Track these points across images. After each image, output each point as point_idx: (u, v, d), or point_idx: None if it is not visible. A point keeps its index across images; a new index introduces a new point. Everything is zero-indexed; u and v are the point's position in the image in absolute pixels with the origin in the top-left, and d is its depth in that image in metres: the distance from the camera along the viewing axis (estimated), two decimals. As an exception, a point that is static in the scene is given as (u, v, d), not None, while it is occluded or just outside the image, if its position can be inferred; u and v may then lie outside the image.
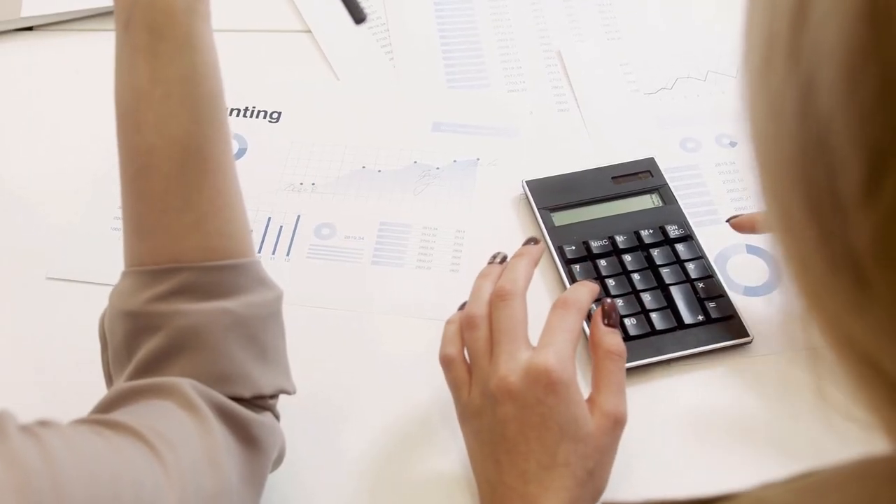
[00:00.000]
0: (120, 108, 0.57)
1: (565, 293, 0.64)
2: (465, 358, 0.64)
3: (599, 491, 0.60)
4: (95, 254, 0.80)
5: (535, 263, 0.67)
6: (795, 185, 0.29)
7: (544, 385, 0.58)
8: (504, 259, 0.68)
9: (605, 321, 0.63)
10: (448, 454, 0.68)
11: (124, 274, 0.58)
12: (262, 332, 0.57)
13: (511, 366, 0.59)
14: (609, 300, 0.64)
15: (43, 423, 0.45)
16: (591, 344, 0.63)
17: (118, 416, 0.50)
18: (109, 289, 0.59)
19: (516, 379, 0.59)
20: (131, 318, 0.56)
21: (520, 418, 0.58)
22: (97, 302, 0.63)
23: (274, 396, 0.59)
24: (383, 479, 0.67)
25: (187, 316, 0.54)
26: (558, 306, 0.63)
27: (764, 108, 0.30)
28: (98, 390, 0.63)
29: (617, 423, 0.60)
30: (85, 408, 0.54)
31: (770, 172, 0.31)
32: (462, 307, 0.68)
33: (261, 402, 0.57)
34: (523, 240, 0.80)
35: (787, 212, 0.30)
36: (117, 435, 0.47)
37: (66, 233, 0.81)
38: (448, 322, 0.66)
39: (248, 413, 0.55)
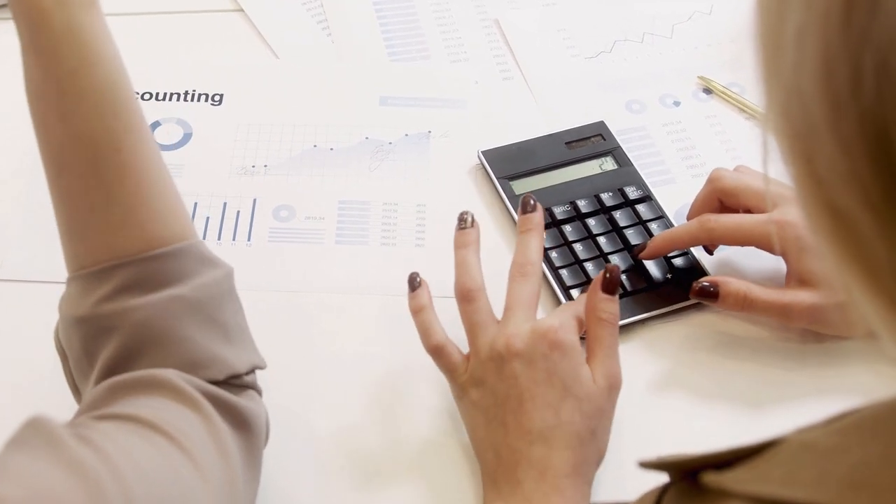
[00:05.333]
0: (30, 109, 0.56)
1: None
2: (451, 341, 0.65)
3: (601, 452, 0.61)
4: (42, 251, 0.76)
5: (543, 233, 0.69)
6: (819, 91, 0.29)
7: (550, 342, 0.61)
8: (473, 219, 0.69)
9: (604, 287, 0.64)
10: (424, 426, 0.68)
11: (68, 280, 0.56)
12: (219, 311, 0.56)
13: (519, 328, 0.62)
14: (614, 265, 0.64)
15: (82, 425, 0.43)
16: (585, 310, 0.64)
17: (132, 409, 0.48)
18: (62, 286, 0.57)
19: (523, 338, 0.61)
20: (83, 323, 0.54)
21: (526, 374, 0.61)
22: (51, 301, 0.61)
23: (250, 373, 0.57)
24: (361, 460, 0.67)
25: (138, 311, 0.53)
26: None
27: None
28: (60, 392, 0.61)
29: (612, 387, 0.62)
30: (47, 412, 0.51)
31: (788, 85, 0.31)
32: (414, 285, 0.67)
33: (237, 382, 0.56)
34: (485, 210, 0.81)
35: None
36: (155, 434, 0.46)
37: (12, 232, 0.78)
38: (416, 311, 0.66)
39: (234, 398, 0.54)
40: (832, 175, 0.30)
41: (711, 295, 0.69)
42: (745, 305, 0.69)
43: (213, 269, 0.57)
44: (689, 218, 0.76)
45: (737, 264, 0.76)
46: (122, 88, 0.55)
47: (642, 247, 0.74)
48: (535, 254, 0.66)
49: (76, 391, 0.58)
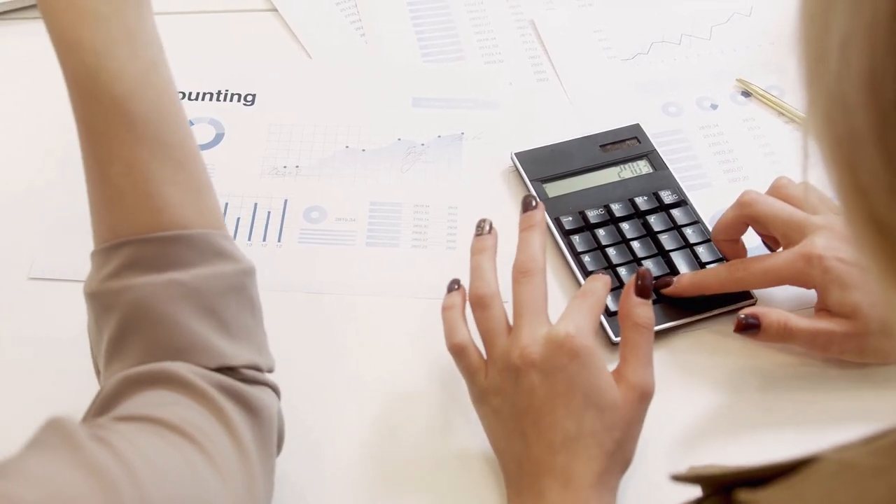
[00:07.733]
0: None
1: (583, 287, 0.65)
2: (474, 342, 0.64)
3: (627, 461, 0.60)
4: (77, 249, 0.76)
5: (545, 231, 0.67)
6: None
7: (567, 351, 0.59)
8: (491, 226, 0.68)
9: (637, 291, 0.62)
10: (453, 431, 0.67)
11: (89, 256, 0.57)
12: (220, 304, 0.55)
13: (533, 337, 0.60)
14: (645, 269, 0.63)
15: (101, 426, 0.43)
16: (619, 314, 0.63)
17: (150, 409, 0.48)
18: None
19: (539, 348, 0.59)
20: (93, 299, 0.55)
21: (545, 386, 0.59)
22: (82, 300, 0.61)
23: (250, 368, 0.56)
24: (388, 463, 0.66)
25: (136, 290, 0.53)
26: (577, 297, 0.63)
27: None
28: (88, 391, 0.61)
29: (644, 396, 0.60)
30: (77, 411, 0.52)
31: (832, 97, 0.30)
32: (451, 288, 0.67)
33: (251, 376, 0.55)
34: (517, 213, 0.80)
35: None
36: (174, 436, 0.46)
37: (43, 231, 0.78)
38: (445, 308, 0.65)
39: (243, 386, 0.54)
40: (875, 186, 0.29)
41: (754, 327, 0.67)
42: (786, 336, 0.67)
43: (223, 262, 0.56)
44: (713, 238, 0.75)
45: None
46: (159, 70, 0.56)
47: (667, 282, 0.72)
48: (538, 251, 0.64)
49: (98, 371, 0.58)
